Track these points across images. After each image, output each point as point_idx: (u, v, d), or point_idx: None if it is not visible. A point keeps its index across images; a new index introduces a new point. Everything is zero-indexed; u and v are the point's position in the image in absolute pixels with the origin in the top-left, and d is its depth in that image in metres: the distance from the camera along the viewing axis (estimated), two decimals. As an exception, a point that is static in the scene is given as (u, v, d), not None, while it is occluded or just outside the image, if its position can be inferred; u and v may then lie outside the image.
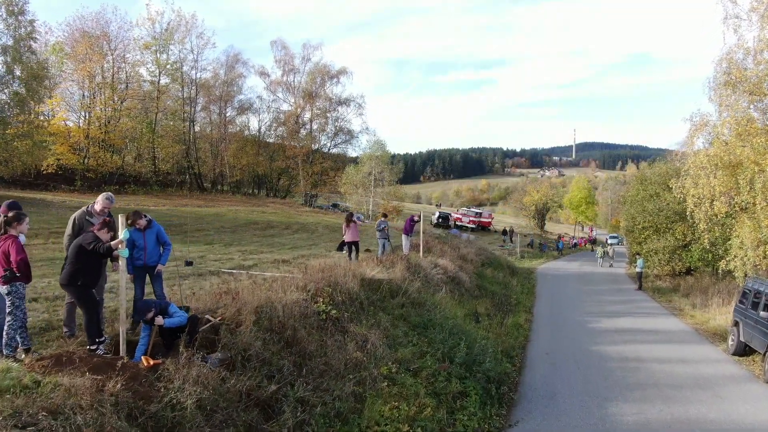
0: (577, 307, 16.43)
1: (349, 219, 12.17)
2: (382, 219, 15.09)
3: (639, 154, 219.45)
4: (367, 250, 16.06)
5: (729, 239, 15.16)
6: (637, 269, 20.71)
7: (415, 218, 15.05)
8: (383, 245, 14.61)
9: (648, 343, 11.69)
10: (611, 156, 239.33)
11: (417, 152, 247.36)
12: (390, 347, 7.50)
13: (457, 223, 46.57)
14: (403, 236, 15.07)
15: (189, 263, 10.39)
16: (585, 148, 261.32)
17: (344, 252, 15.24)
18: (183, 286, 7.59)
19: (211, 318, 5.68)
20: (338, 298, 7.77)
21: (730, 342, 11.09)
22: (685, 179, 14.31)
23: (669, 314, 15.76)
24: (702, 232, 14.90)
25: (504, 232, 41.62)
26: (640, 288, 20.50)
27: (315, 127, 39.48)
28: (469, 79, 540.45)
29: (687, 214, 14.79)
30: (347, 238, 12.40)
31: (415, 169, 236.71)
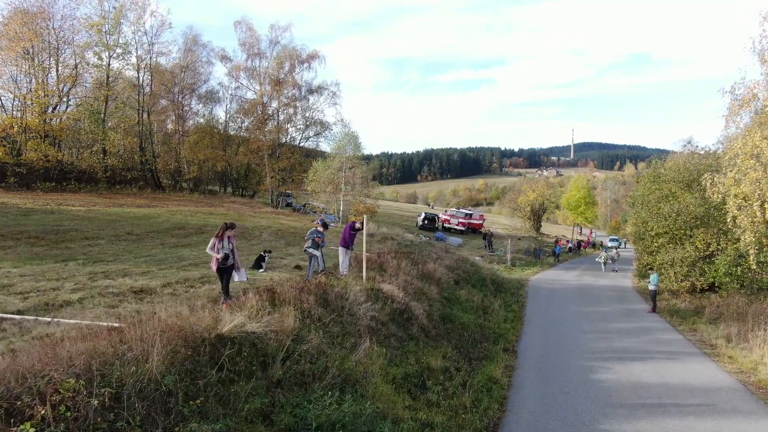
0: (578, 341, 12.51)
1: (226, 228, 7.95)
2: (317, 228, 11.09)
3: (637, 155, 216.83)
4: (297, 267, 12.13)
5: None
6: (651, 286, 16.78)
7: (357, 225, 11.13)
8: (312, 262, 10.72)
9: (684, 417, 7.79)
10: (609, 156, 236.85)
11: (414, 151, 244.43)
12: None
13: (444, 225, 42.71)
14: (341, 250, 11.13)
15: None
16: (583, 148, 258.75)
17: (262, 270, 11.36)
18: None
19: None
20: (93, 401, 3.80)
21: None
22: (728, 171, 10.42)
23: (699, 353, 11.83)
24: (747, 245, 11.09)
25: (484, 236, 36.83)
26: (654, 310, 16.59)
27: (282, 117, 35.32)
28: (468, 79, 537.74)
29: (728, 219, 10.99)
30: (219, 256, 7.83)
31: (412, 168, 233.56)
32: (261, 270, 11.12)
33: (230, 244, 7.81)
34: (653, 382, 9.45)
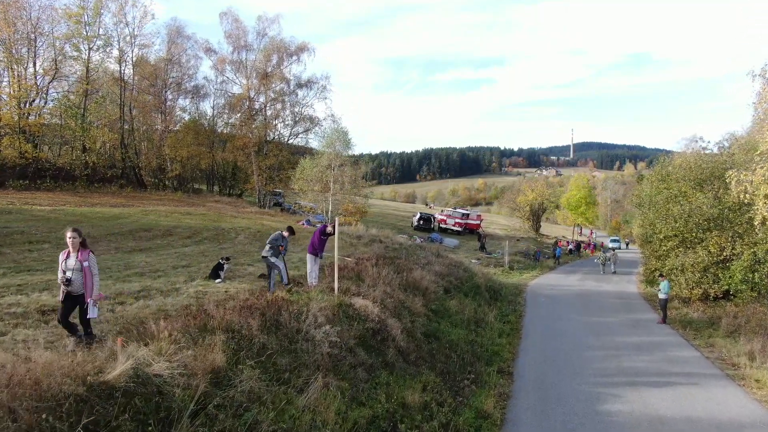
0: (582, 359, 11.06)
1: (80, 238, 5.53)
2: (281, 233, 9.77)
3: (637, 155, 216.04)
4: (263, 276, 10.66)
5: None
6: (661, 295, 15.32)
7: (328, 229, 9.70)
8: (272, 274, 9.33)
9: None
10: (609, 156, 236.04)
11: (413, 151, 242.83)
12: None
13: (441, 225, 41.31)
14: (309, 258, 9.71)
15: None
16: (583, 147, 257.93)
17: (219, 280, 9.92)
18: None
19: None
20: None
21: None
22: (758, 168, 9.00)
23: (721, 375, 10.37)
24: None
25: (478, 238, 35.37)
26: (664, 321, 15.15)
27: (269, 113, 33.74)
28: (468, 79, 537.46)
29: (756, 223, 9.60)
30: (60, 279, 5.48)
31: (411, 167, 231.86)
32: (218, 281, 9.65)
33: (78, 263, 5.37)
34: (673, 415, 8.01)
